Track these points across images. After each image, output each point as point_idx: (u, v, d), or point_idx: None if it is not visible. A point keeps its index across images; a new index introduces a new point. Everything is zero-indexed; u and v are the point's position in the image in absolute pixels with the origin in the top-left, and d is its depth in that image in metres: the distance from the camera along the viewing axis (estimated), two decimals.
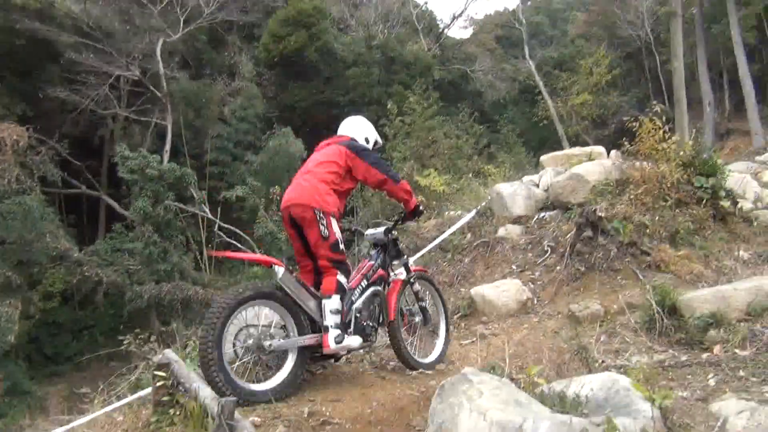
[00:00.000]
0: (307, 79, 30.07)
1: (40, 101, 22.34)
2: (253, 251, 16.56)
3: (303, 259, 4.58)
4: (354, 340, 4.25)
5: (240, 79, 28.22)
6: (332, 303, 4.17)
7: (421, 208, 4.97)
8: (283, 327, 4.09)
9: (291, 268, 4.20)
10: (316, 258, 4.40)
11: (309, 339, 4.10)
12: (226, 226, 17.94)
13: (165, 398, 3.70)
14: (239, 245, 17.63)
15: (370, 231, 5.16)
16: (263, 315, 4.08)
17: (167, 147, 23.49)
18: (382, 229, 5.04)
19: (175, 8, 25.85)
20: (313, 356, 4.29)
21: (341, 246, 4.39)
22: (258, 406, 3.69)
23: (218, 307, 3.71)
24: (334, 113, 29.53)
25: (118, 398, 5.26)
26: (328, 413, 3.64)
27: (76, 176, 23.58)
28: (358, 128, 5.06)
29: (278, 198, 16.92)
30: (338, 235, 4.35)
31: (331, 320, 4.13)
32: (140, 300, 16.18)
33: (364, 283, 4.59)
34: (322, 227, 4.24)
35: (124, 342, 6.03)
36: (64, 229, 20.36)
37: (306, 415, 3.56)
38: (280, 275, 4.00)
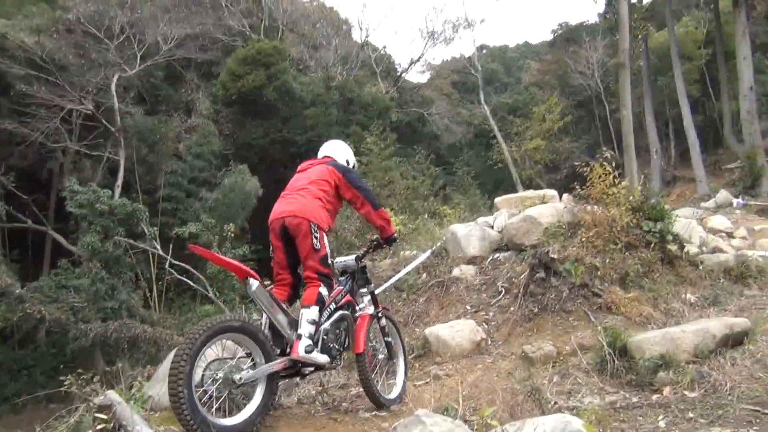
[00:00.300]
0: (265, 118, 30.05)
1: None
2: (206, 289, 16.23)
3: (282, 272, 4.64)
4: (322, 357, 4.27)
5: (196, 116, 27.98)
6: (310, 313, 4.25)
7: (395, 236, 5.11)
8: (250, 356, 4.00)
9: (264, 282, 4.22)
10: (303, 268, 4.52)
11: (278, 364, 4.06)
12: (177, 263, 17.52)
13: None
14: (191, 282, 17.23)
15: (340, 258, 5.19)
16: (227, 348, 4.02)
17: (119, 182, 22.99)
18: (352, 256, 5.11)
19: (132, 44, 25.63)
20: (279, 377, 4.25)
21: (329, 261, 4.59)
22: None
23: (188, 343, 3.58)
24: (292, 152, 29.56)
25: None
26: None
27: (21, 210, 22.79)
28: (339, 151, 5.31)
29: (231, 234, 16.75)
30: (328, 249, 4.56)
31: (305, 329, 4.18)
32: (85, 339, 15.51)
33: (333, 306, 4.61)
34: (315, 240, 4.41)
35: (65, 382, 5.73)
36: (6, 264, 19.54)
37: None
38: (254, 288, 4.03)
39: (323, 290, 4.42)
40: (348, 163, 5.23)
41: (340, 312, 4.65)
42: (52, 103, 22.40)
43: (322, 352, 4.31)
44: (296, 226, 4.42)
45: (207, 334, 3.66)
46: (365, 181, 17.27)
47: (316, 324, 4.28)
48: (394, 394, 5.02)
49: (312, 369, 4.43)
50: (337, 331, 4.60)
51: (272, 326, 4.21)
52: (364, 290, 5.14)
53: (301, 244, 4.45)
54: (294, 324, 4.30)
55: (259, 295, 4.09)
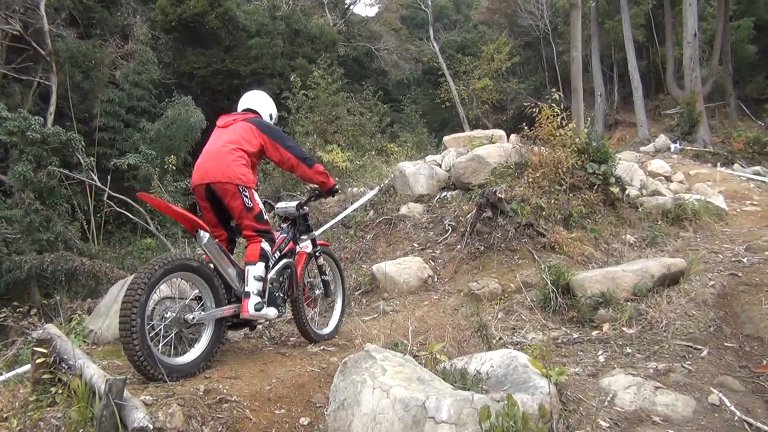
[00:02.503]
0: (207, 47, 28.90)
1: None
2: (146, 222, 15.84)
3: (215, 230, 4.50)
4: (271, 311, 4.30)
5: (134, 42, 26.60)
6: (257, 269, 4.24)
7: (337, 187, 5.02)
8: (199, 299, 3.99)
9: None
10: (241, 228, 4.46)
11: (227, 310, 4.08)
12: (116, 195, 16.97)
13: (46, 376, 3.42)
14: (130, 215, 16.78)
15: (281, 204, 5.09)
16: (177, 288, 3.95)
17: (51, 109, 21.88)
18: (294, 203, 5.01)
19: None
20: (228, 326, 4.26)
21: (265, 216, 4.50)
22: (149, 384, 3.49)
23: (141, 279, 3.48)
24: (235, 83, 28.66)
25: None
26: (225, 390, 3.50)
27: None
28: (262, 104, 5.02)
29: (173, 167, 16.28)
30: (261, 206, 4.46)
31: (253, 287, 4.18)
32: (19, 271, 14.99)
33: (277, 254, 4.60)
34: (246, 199, 4.32)
35: (0, 315, 5.55)
36: None
37: (202, 393, 3.40)
38: (204, 240, 4.01)
39: (265, 245, 4.40)
40: (271, 117, 5.01)
41: (284, 260, 4.66)
42: None
43: (270, 304, 4.34)
44: (223, 190, 4.31)
45: (166, 268, 3.61)
46: (311, 116, 17.15)
47: (263, 279, 4.28)
48: (328, 329, 5.14)
49: (263, 322, 4.49)
50: (281, 278, 4.61)
51: (221, 277, 4.16)
52: (305, 237, 5.11)
53: (233, 205, 4.35)
54: (242, 276, 4.28)
55: (209, 247, 4.06)
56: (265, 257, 4.35)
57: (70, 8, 25.40)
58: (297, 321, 4.78)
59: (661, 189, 10.50)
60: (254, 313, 4.14)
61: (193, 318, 3.82)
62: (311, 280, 5.15)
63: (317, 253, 5.09)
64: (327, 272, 5.24)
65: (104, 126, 23.36)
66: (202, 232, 4.01)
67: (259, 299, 4.18)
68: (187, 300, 3.92)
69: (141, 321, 3.43)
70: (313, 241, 5.11)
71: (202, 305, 3.98)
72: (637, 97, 28.11)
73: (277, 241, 4.65)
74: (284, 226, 4.96)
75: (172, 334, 3.79)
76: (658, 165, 15.03)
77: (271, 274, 4.44)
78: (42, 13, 22.34)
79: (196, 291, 4.01)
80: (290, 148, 4.64)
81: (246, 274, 4.24)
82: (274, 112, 5.10)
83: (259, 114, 4.88)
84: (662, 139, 22.82)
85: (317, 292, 5.19)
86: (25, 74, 22.78)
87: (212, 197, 4.38)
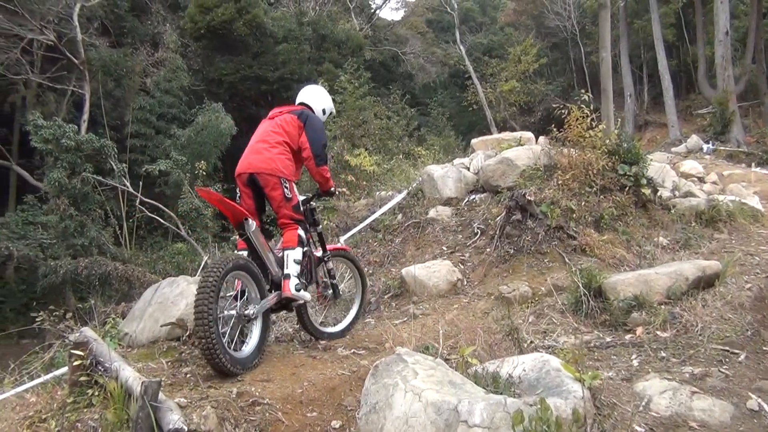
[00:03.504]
0: (235, 53, 29.21)
1: None
2: (177, 227, 16.05)
3: (252, 217, 4.64)
4: (307, 294, 4.62)
5: (164, 50, 27.04)
6: (296, 253, 4.53)
7: (332, 190, 5.23)
8: (243, 293, 4.19)
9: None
10: (278, 217, 4.69)
11: (272, 299, 4.35)
12: (148, 200, 17.23)
13: (82, 378, 3.48)
14: (162, 220, 17.03)
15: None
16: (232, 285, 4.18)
17: (85, 117, 22.30)
18: (302, 198, 5.14)
19: None
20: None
21: (301, 208, 4.81)
22: (184, 387, 3.54)
23: (211, 280, 3.68)
24: (263, 89, 28.93)
25: (31, 378, 4.95)
26: (257, 393, 3.53)
27: None
28: (316, 98, 5.29)
29: (203, 172, 16.48)
30: (299, 197, 4.78)
31: (293, 269, 4.48)
32: (55, 275, 15.33)
33: None
34: (286, 190, 4.59)
35: (37, 319, 5.66)
36: None
37: (235, 396, 3.44)
38: (252, 228, 4.32)
39: (301, 232, 4.67)
40: (324, 112, 5.28)
41: (304, 249, 4.86)
42: (11, 33, 21.37)
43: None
44: (265, 180, 4.56)
45: (228, 267, 3.86)
46: (339, 121, 17.23)
47: (301, 263, 4.55)
48: (334, 329, 5.30)
49: (300, 303, 4.65)
50: (303, 266, 4.79)
51: (262, 266, 4.43)
52: (313, 230, 5.27)
53: (273, 194, 4.60)
54: (280, 261, 4.54)
55: (256, 234, 4.36)
56: (302, 243, 4.63)
57: (102, 18, 25.90)
58: (298, 313, 4.93)
59: (694, 190, 10.29)
60: (295, 293, 4.41)
61: (253, 313, 4.09)
62: (326, 280, 5.31)
63: (326, 258, 5.25)
64: (336, 276, 5.40)
65: (136, 133, 23.78)
66: (250, 221, 4.30)
67: (297, 280, 4.46)
68: (245, 297, 4.15)
69: (216, 327, 3.63)
70: (322, 241, 5.29)
71: (246, 299, 4.17)
72: (667, 97, 27.68)
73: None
74: None
75: (234, 330, 4.01)
76: (690, 166, 14.78)
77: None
78: (75, 23, 22.81)
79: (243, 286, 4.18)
80: (313, 140, 4.80)
81: (285, 258, 4.51)
82: (329, 107, 5.38)
83: (311, 108, 5.13)
84: (694, 140, 22.45)
85: (328, 292, 5.35)
86: (59, 83, 23.27)
87: (254, 186, 4.62)
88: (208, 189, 4.40)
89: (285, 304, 4.58)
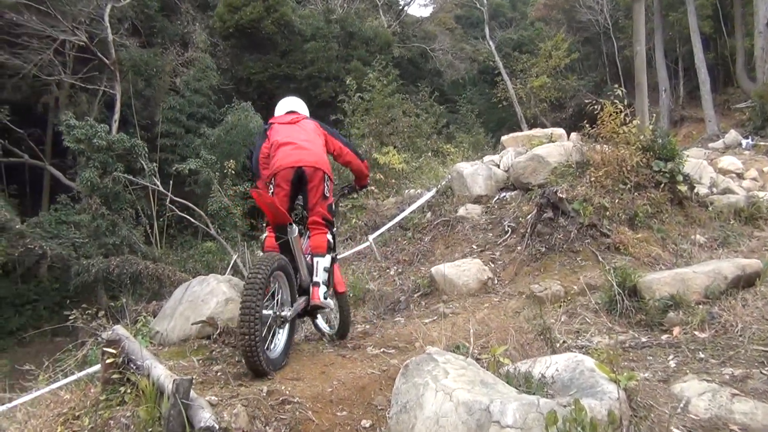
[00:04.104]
0: (264, 52, 29.45)
1: None
2: (207, 226, 16.23)
3: None
4: (331, 303, 4.71)
5: (193, 50, 27.41)
6: (326, 261, 4.59)
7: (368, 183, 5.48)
8: (272, 295, 4.18)
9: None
10: (311, 214, 4.71)
11: (302, 303, 4.40)
12: (178, 199, 17.45)
13: (115, 376, 3.54)
14: (192, 219, 17.25)
15: None
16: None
17: (116, 116, 22.70)
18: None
19: None
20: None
21: (334, 209, 4.94)
22: (214, 385, 3.57)
23: (258, 281, 3.69)
24: (292, 87, 29.02)
25: (64, 375, 5.05)
26: (287, 392, 3.54)
27: (17, 145, 22.57)
28: (304, 109, 5.36)
29: (232, 171, 16.63)
30: (333, 199, 4.94)
31: (321, 277, 4.52)
32: (87, 274, 15.65)
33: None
34: (326, 188, 4.68)
35: (71, 317, 5.77)
36: (4, 199, 19.58)
37: (265, 394, 3.45)
38: (295, 233, 4.36)
39: (330, 237, 4.74)
40: None
41: (331, 254, 4.92)
42: (43, 34, 21.86)
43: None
44: (312, 175, 4.59)
45: (272, 268, 3.87)
46: (367, 118, 17.26)
47: (328, 271, 4.60)
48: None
49: (327, 311, 4.80)
50: (329, 275, 4.87)
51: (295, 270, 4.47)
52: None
53: (313, 191, 4.63)
54: (310, 267, 4.59)
55: (296, 239, 4.39)
56: (330, 248, 4.68)
57: (132, 18, 26.34)
58: (345, 319, 5.10)
59: (732, 187, 10.10)
60: (323, 301, 4.46)
61: (289, 314, 4.13)
62: None
63: (336, 261, 5.29)
64: None
65: (166, 132, 24.13)
66: (294, 226, 4.36)
67: (325, 288, 4.51)
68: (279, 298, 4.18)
69: (260, 328, 3.65)
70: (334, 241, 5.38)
71: (278, 301, 4.18)
72: (704, 91, 27.10)
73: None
74: None
75: (268, 331, 4.02)
76: (728, 162, 14.46)
77: None
78: (106, 23, 23.23)
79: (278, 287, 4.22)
80: (347, 144, 5.13)
81: (315, 266, 4.53)
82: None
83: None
84: (732, 135, 21.94)
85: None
86: (91, 83, 23.74)
87: (297, 181, 4.62)
88: (260, 191, 4.42)
89: (310, 310, 4.65)
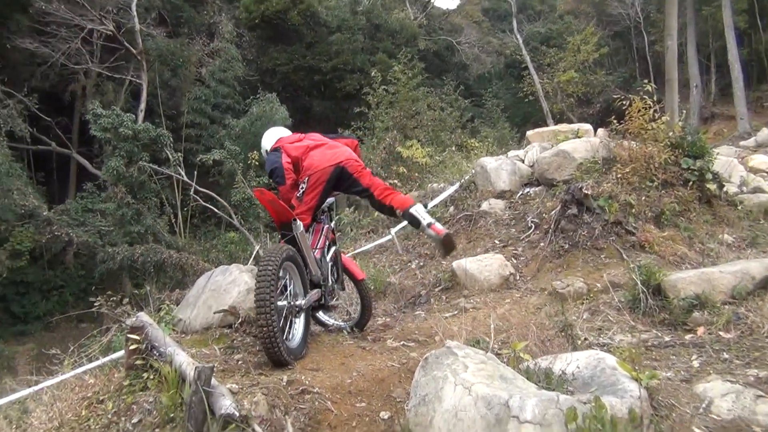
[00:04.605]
0: (289, 43, 29.56)
1: (8, 52, 21.68)
2: (230, 217, 16.40)
3: (306, 217, 4.73)
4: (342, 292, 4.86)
5: (219, 40, 27.58)
6: (417, 207, 4.51)
7: None
8: (285, 286, 4.22)
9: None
10: (374, 191, 4.63)
11: (315, 294, 4.46)
12: (202, 190, 17.63)
13: (138, 362, 3.62)
14: (215, 209, 17.42)
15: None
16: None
17: (142, 106, 23.00)
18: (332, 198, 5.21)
19: None
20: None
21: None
22: (235, 373, 3.63)
23: (270, 270, 3.74)
24: (316, 79, 29.18)
25: (89, 360, 5.15)
26: (307, 382, 3.59)
27: (45, 132, 23.01)
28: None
29: (256, 163, 16.75)
30: None
31: (427, 218, 4.47)
32: (112, 262, 15.92)
33: (328, 242, 5.01)
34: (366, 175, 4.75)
35: (96, 304, 5.89)
36: (32, 187, 19.95)
37: (285, 383, 3.50)
38: (301, 228, 4.29)
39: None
40: (266, 153, 5.25)
41: (333, 247, 5.11)
42: (72, 23, 22.21)
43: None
44: (354, 165, 4.68)
45: (282, 258, 3.89)
46: (391, 111, 17.25)
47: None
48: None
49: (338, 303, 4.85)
50: (332, 264, 4.99)
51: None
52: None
53: (361, 177, 4.66)
54: (320, 263, 4.64)
55: (303, 236, 4.36)
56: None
57: (159, 8, 26.62)
58: (368, 306, 5.24)
59: (763, 186, 9.87)
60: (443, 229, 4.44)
61: (303, 304, 4.19)
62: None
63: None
64: None
65: (191, 123, 24.34)
66: (298, 222, 4.27)
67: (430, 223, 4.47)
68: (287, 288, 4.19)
69: (277, 317, 3.69)
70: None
71: (291, 292, 4.21)
72: (737, 88, 26.57)
73: (324, 230, 4.95)
74: (323, 216, 5.09)
75: (285, 321, 4.06)
76: (760, 160, 14.15)
77: (328, 259, 4.85)
78: (133, 13, 23.52)
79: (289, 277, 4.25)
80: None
81: (417, 213, 4.44)
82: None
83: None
84: (765, 133, 21.48)
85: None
86: (118, 73, 24.06)
87: (336, 179, 4.66)
88: (262, 189, 4.47)
89: (325, 303, 4.76)
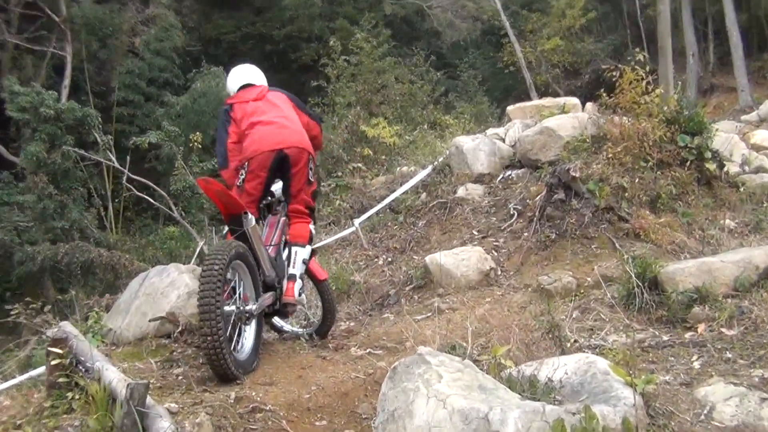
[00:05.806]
0: (236, 8, 29.26)
1: None
2: (170, 208, 16.17)
3: (252, 205, 4.69)
4: (304, 298, 4.77)
5: (155, 6, 27.12)
6: (305, 252, 4.63)
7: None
8: (234, 289, 4.15)
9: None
10: (293, 202, 4.80)
11: (268, 298, 4.35)
12: (136, 178, 17.32)
13: (62, 380, 3.54)
14: (152, 200, 17.17)
15: (276, 187, 5.14)
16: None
17: (66, 82, 22.50)
18: (281, 183, 5.10)
19: None
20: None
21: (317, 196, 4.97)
22: (175, 391, 3.57)
23: (215, 272, 3.65)
24: (268, 49, 28.90)
25: (5, 379, 5.04)
26: (258, 398, 3.56)
27: None
28: (262, 78, 5.25)
29: (198, 145, 16.53)
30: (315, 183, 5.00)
31: (299, 270, 4.55)
32: (32, 263, 15.56)
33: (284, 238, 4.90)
34: (310, 173, 4.75)
35: (12, 312, 5.75)
36: None
37: (232, 401, 3.47)
38: (252, 223, 4.24)
39: (312, 227, 4.80)
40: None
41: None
42: None
43: None
44: (297, 157, 4.60)
45: (230, 257, 3.81)
46: (354, 85, 17.19)
47: (306, 264, 4.61)
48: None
49: (296, 309, 4.80)
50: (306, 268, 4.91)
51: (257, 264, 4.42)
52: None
53: (297, 176, 4.68)
54: (272, 261, 4.51)
55: (255, 230, 4.31)
56: (311, 240, 4.70)
57: None
58: (330, 309, 5.20)
59: (767, 165, 10.12)
60: (298, 297, 4.48)
61: (254, 309, 4.08)
62: None
63: None
64: None
65: (123, 100, 23.87)
66: (249, 215, 4.21)
67: (301, 283, 4.53)
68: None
69: (223, 315, 3.64)
70: None
71: (239, 296, 4.11)
72: (736, 57, 27.08)
73: (281, 224, 4.86)
74: (279, 207, 5.06)
75: (233, 329, 3.96)
76: (763, 137, 14.46)
77: (284, 257, 4.74)
78: None
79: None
80: (310, 113, 5.19)
81: (293, 256, 4.55)
82: None
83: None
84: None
85: None
86: (38, 44, 23.44)
87: (277, 166, 4.62)
88: (206, 178, 4.39)
89: (280, 308, 4.63)
